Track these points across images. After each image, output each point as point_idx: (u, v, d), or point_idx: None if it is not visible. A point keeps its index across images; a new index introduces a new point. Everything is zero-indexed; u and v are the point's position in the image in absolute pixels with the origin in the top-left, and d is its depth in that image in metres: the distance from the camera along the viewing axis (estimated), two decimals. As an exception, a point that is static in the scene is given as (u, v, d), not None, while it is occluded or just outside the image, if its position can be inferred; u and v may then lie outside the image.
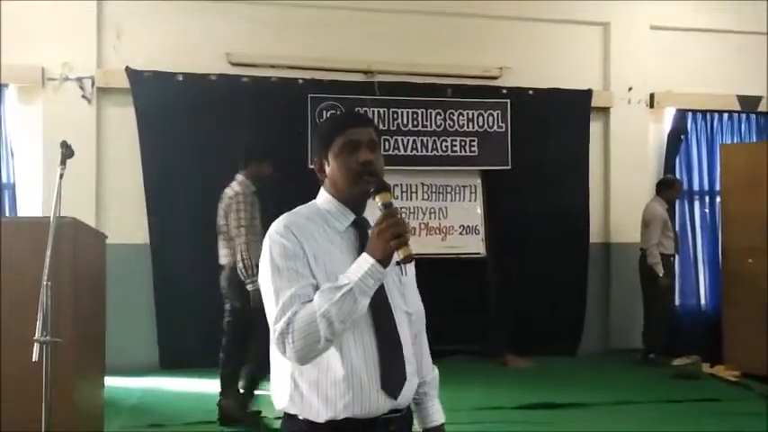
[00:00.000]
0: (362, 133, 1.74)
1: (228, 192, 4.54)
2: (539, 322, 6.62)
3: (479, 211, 6.71)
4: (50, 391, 2.47)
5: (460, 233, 6.66)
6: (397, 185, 6.57)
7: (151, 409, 4.84)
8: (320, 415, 1.66)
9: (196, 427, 4.37)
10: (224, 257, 4.58)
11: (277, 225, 1.72)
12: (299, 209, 1.78)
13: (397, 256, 1.61)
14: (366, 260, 1.60)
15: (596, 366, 6.40)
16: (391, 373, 1.69)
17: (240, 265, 4.34)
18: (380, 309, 1.69)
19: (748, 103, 7.37)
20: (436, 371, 1.97)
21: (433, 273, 6.60)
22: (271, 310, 1.65)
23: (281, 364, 1.71)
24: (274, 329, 1.63)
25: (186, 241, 6.14)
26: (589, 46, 7.21)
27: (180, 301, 6.08)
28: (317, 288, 1.64)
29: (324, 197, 1.79)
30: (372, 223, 1.69)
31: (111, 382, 4.61)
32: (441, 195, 6.69)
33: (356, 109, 6.34)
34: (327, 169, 1.77)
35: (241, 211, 4.40)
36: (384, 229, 1.59)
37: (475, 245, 6.66)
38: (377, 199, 1.65)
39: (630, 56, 7.16)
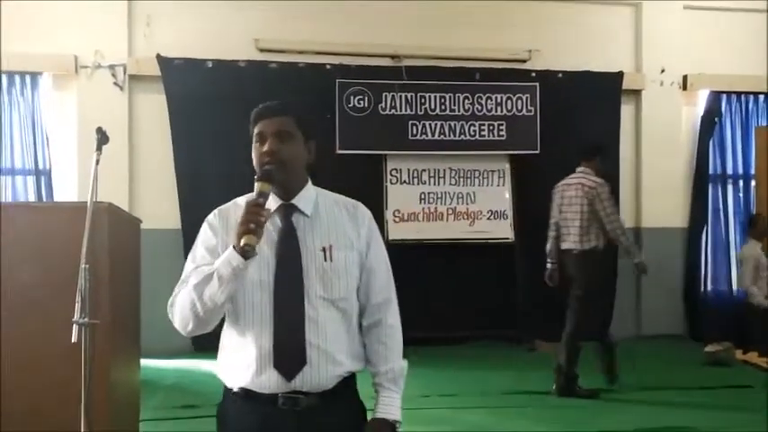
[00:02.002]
0: (270, 124, 1.82)
1: (586, 182, 4.93)
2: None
3: (507, 195, 6.68)
4: (89, 372, 2.53)
5: (488, 218, 6.64)
6: (424, 170, 6.57)
7: (185, 390, 4.94)
8: (230, 382, 1.81)
9: (228, 408, 4.45)
10: (574, 243, 4.94)
11: (213, 211, 1.90)
12: (240, 197, 1.89)
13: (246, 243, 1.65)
14: (229, 247, 1.70)
15: (627, 352, 6.33)
16: (284, 353, 1.73)
17: (626, 243, 4.98)
18: (285, 291, 1.75)
19: (784, 85, 7.18)
20: (398, 364, 1.86)
21: (461, 258, 6.67)
22: None
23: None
24: (168, 302, 1.82)
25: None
26: (620, 27, 7.08)
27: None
28: None
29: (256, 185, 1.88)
30: (303, 209, 1.82)
31: (146, 363, 4.72)
32: (469, 180, 6.66)
33: (383, 93, 6.34)
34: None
35: (605, 200, 4.87)
36: (243, 216, 1.68)
37: (503, 230, 6.64)
38: (256, 185, 1.73)
39: (663, 37, 7.02)
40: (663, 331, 6.76)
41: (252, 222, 1.65)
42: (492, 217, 6.65)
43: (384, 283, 1.89)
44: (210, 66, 6.30)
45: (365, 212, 1.90)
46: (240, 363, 1.77)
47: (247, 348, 1.76)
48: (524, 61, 6.86)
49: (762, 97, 7.35)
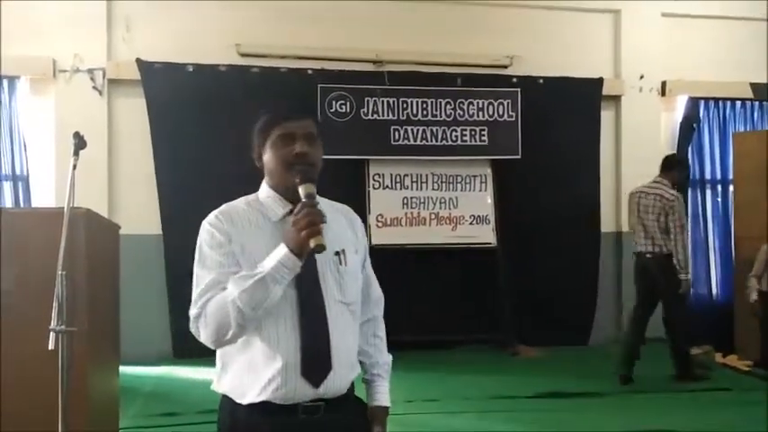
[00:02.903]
0: (299, 126, 1.77)
1: (665, 194, 5.28)
2: (550, 312, 6.62)
3: (490, 200, 6.70)
4: (66, 379, 2.50)
5: (471, 223, 6.66)
6: (407, 175, 6.58)
7: (165, 397, 4.89)
8: (241, 396, 1.72)
9: (209, 415, 4.37)
10: (645, 246, 5.32)
11: (211, 214, 1.80)
12: (240, 199, 1.84)
13: (312, 245, 1.62)
14: (281, 249, 1.63)
15: (608, 356, 6.38)
16: (313, 361, 1.69)
17: (683, 258, 5.23)
18: (309, 297, 1.71)
19: (761, 91, 7.28)
20: (390, 358, 1.97)
21: (444, 263, 6.68)
22: (193, 294, 1.74)
23: None
24: (191, 313, 1.72)
25: (198, 231, 6.16)
26: (600, 34, 7.15)
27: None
28: None
29: (263, 188, 1.84)
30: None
31: (125, 370, 4.66)
32: (451, 185, 6.68)
33: (366, 98, 6.35)
34: (264, 159, 1.81)
35: (678, 213, 5.22)
36: (298, 220, 1.62)
37: (485, 234, 6.65)
38: (300, 189, 1.68)
39: (642, 43, 7.10)
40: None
41: (316, 223, 1.61)
42: (474, 222, 6.67)
43: (376, 282, 1.95)
44: (191, 70, 6.26)
45: (356, 216, 1.92)
46: (260, 376, 1.69)
47: (270, 360, 1.68)
48: (506, 67, 6.90)
49: (739, 103, 7.46)
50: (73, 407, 2.55)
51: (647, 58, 7.11)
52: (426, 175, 6.62)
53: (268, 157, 1.79)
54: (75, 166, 2.74)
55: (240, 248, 1.71)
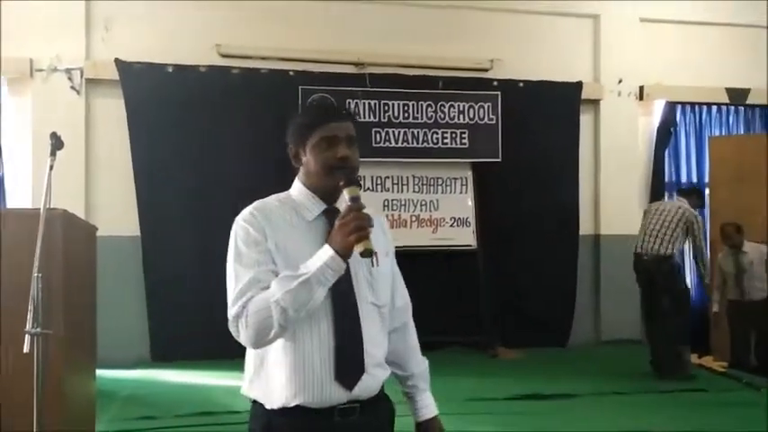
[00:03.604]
0: (342, 128, 1.75)
1: (688, 209, 5.76)
2: (529, 314, 6.67)
3: (470, 203, 6.73)
4: (42, 383, 2.46)
5: (451, 225, 6.68)
6: (388, 177, 6.59)
7: (143, 401, 4.83)
8: (273, 401, 1.69)
9: (187, 419, 4.38)
10: (665, 248, 5.68)
11: (244, 211, 1.75)
12: (271, 197, 1.81)
13: (356, 250, 1.61)
14: (326, 251, 1.61)
15: (586, 357, 6.46)
16: (347, 364, 1.68)
17: (704, 268, 5.96)
18: (342, 299, 1.69)
19: (737, 96, 7.42)
20: (425, 363, 1.96)
21: (424, 265, 6.69)
22: (229, 293, 1.69)
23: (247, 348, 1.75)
24: (230, 312, 1.67)
25: (177, 233, 6.13)
26: (579, 38, 7.23)
27: (171, 293, 6.08)
28: (276, 275, 1.65)
29: (297, 187, 1.81)
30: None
31: (102, 374, 4.60)
32: (431, 187, 6.70)
33: (347, 100, 6.36)
34: (303, 159, 1.78)
35: (700, 229, 5.78)
36: (346, 223, 1.60)
37: (465, 237, 6.68)
38: (345, 192, 1.67)
39: (620, 48, 7.19)
40: (622, 336, 6.88)
41: (365, 228, 1.60)
42: (455, 224, 6.69)
43: (404, 286, 1.94)
44: (171, 71, 6.22)
45: (385, 219, 1.92)
46: (294, 380, 1.66)
47: (304, 363, 1.66)
48: (486, 70, 6.94)
49: (715, 108, 7.57)
50: (48, 410, 2.52)
51: (625, 63, 7.20)
52: (407, 178, 6.64)
53: (309, 158, 1.75)
54: (51, 167, 2.70)
55: (275, 246, 1.69)
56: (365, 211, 1.64)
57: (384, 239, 1.83)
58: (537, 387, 5.13)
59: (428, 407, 1.93)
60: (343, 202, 1.69)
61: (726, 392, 5.24)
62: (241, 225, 1.72)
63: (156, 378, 5.53)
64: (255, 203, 1.77)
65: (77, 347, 3.05)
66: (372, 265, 1.74)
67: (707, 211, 7.34)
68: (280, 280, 1.62)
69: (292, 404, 1.67)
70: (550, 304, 6.80)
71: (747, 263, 6.16)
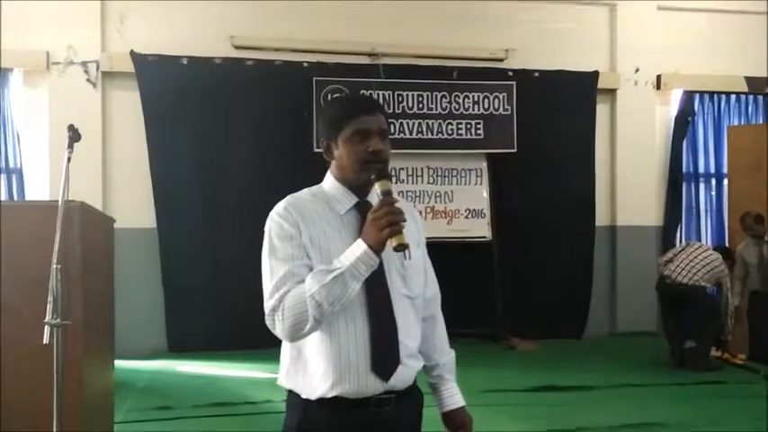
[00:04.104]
0: (374, 121, 1.75)
1: (722, 272, 5.83)
2: (544, 305, 6.63)
3: (485, 194, 6.70)
4: (61, 373, 2.49)
5: (466, 217, 6.66)
6: (402, 169, 6.57)
7: (160, 391, 4.88)
8: (311, 392, 1.71)
9: (204, 409, 4.41)
10: (698, 281, 5.72)
11: (278, 206, 1.76)
12: (304, 191, 1.81)
13: (390, 244, 1.62)
14: (359, 246, 1.62)
15: (602, 349, 6.43)
16: (382, 355, 1.70)
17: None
18: (376, 291, 1.71)
19: (756, 85, 7.31)
20: (452, 354, 1.97)
21: (440, 257, 6.63)
22: (265, 287, 1.70)
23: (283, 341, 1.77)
24: (267, 306, 1.68)
25: (193, 224, 6.17)
26: (595, 27, 7.15)
27: (187, 284, 6.12)
28: (311, 269, 1.67)
29: (329, 180, 1.81)
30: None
31: (120, 364, 4.64)
32: (446, 179, 6.68)
33: (362, 91, 6.35)
34: (335, 153, 1.78)
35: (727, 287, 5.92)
36: (379, 217, 1.60)
37: (481, 228, 6.66)
38: (377, 186, 1.67)
39: (637, 37, 7.10)
40: (638, 329, 6.84)
41: (398, 222, 1.60)
42: (470, 216, 6.67)
43: (434, 278, 1.94)
44: (185, 63, 6.23)
45: (416, 211, 1.92)
46: (330, 371, 1.68)
47: (340, 355, 1.68)
48: (501, 60, 6.89)
49: (733, 97, 7.47)
50: (68, 401, 2.54)
51: (642, 52, 7.11)
52: (422, 169, 6.62)
53: (342, 152, 1.75)
54: (69, 159, 2.72)
55: (309, 240, 1.69)
56: (397, 204, 1.64)
57: (416, 230, 1.83)
58: (553, 379, 5.11)
59: (454, 396, 1.94)
60: (375, 194, 1.70)
61: (744, 385, 5.19)
62: (275, 220, 1.73)
63: (173, 368, 5.58)
64: (288, 198, 1.78)
65: (96, 338, 3.08)
66: (405, 258, 1.73)
67: (725, 200, 7.28)
68: (314, 274, 1.63)
69: (330, 395, 1.69)
70: (566, 296, 6.76)
71: None
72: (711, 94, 7.42)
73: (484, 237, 6.65)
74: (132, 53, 6.16)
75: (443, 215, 6.61)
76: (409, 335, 1.77)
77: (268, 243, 1.72)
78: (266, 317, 1.68)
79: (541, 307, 6.62)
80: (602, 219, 7.08)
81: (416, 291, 1.81)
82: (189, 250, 6.14)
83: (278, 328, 1.66)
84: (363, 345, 1.69)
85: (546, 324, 6.56)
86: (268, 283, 1.69)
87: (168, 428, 4.08)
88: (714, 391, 5.04)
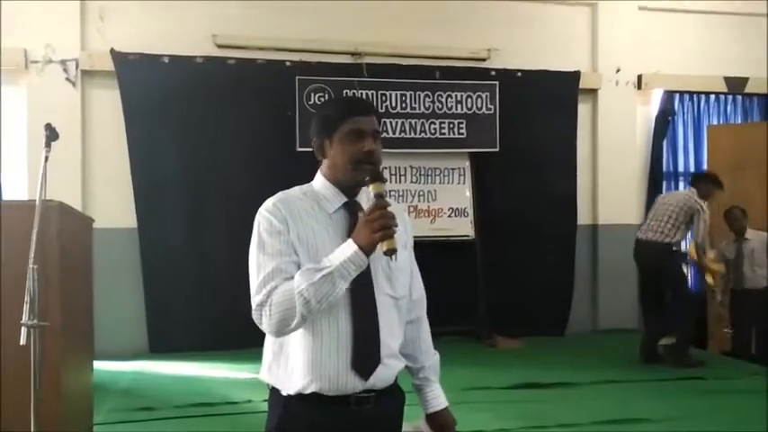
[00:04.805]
0: (369, 122, 1.77)
1: (694, 204, 5.60)
2: (527, 303, 6.66)
3: (468, 193, 6.72)
4: (39, 375, 2.46)
5: (449, 216, 6.68)
6: (385, 168, 6.56)
7: (141, 392, 4.83)
8: (290, 387, 1.73)
9: (186, 410, 4.38)
10: (665, 237, 5.63)
11: (268, 202, 1.77)
12: (294, 189, 1.82)
13: (380, 247, 1.63)
14: (350, 246, 1.63)
15: (584, 346, 6.47)
16: (363, 353, 1.72)
17: (702, 257, 5.83)
18: (361, 290, 1.72)
19: (735, 85, 7.40)
20: (437, 356, 2.00)
21: (422, 255, 6.65)
22: (252, 282, 1.71)
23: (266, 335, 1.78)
24: (254, 300, 1.69)
25: (174, 224, 6.12)
26: (577, 27, 7.19)
27: (168, 285, 6.07)
28: (298, 265, 1.69)
29: (319, 179, 1.83)
30: (364, 207, 1.74)
31: (101, 366, 4.61)
32: (429, 178, 6.69)
33: (344, 91, 6.34)
34: (329, 152, 1.79)
35: (706, 222, 5.61)
36: (372, 220, 1.63)
37: (464, 227, 6.68)
38: (371, 188, 1.68)
39: (618, 37, 7.16)
40: (619, 326, 6.90)
41: (390, 226, 1.62)
42: (453, 215, 6.69)
43: (420, 279, 1.97)
44: (167, 61, 6.18)
45: (405, 212, 1.94)
46: (311, 367, 1.70)
47: (322, 352, 1.70)
48: (484, 60, 6.91)
49: (713, 97, 7.55)
50: (45, 403, 2.52)
51: (623, 52, 7.17)
52: (405, 168, 6.62)
53: (336, 151, 1.76)
54: (47, 158, 2.69)
55: (297, 237, 1.71)
56: (390, 208, 1.65)
57: (404, 231, 1.83)
58: (535, 376, 5.14)
59: (439, 398, 1.97)
60: (365, 194, 1.73)
61: (724, 380, 5.25)
62: (264, 216, 1.74)
63: (154, 369, 5.53)
64: (278, 195, 1.79)
65: (75, 339, 3.05)
66: (392, 259, 1.73)
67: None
68: (303, 272, 1.65)
69: (308, 391, 1.71)
70: (548, 294, 6.80)
71: (749, 250, 6.13)
72: (691, 94, 7.50)
73: (467, 236, 6.67)
74: (112, 51, 6.09)
75: (426, 214, 6.62)
76: (391, 335, 1.78)
77: (257, 238, 1.73)
78: (253, 311, 1.69)
79: (524, 305, 6.66)
80: (583, 217, 7.13)
81: (401, 292, 1.82)
82: (170, 250, 6.09)
83: (265, 322, 1.68)
84: (345, 342, 1.70)
85: (528, 322, 6.59)
86: (255, 278, 1.70)
87: (149, 429, 4.04)
88: (695, 386, 5.09)
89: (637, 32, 7.20)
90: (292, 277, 1.66)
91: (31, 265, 2.46)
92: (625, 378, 5.23)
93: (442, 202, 6.66)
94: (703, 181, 5.81)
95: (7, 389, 2.63)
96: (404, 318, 1.86)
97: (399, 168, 6.61)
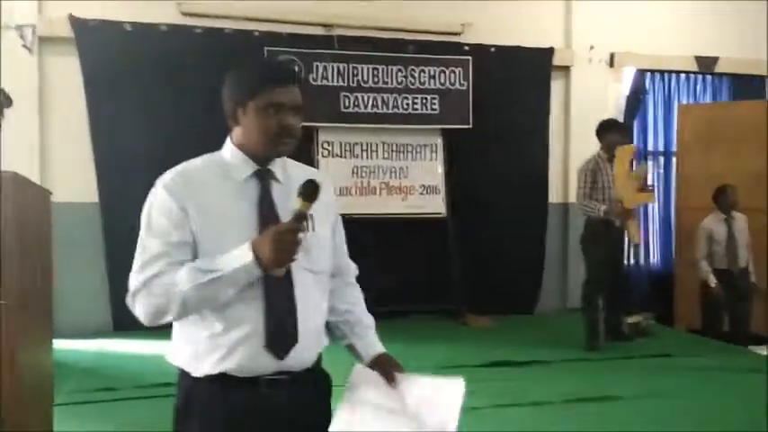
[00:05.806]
0: (288, 94, 1.65)
1: (587, 163, 5.57)
2: (497, 281, 6.66)
3: (440, 170, 6.65)
4: (-6, 356, 2.33)
5: (421, 193, 6.60)
6: (357, 144, 6.45)
7: (103, 371, 4.70)
8: (197, 368, 1.63)
9: (149, 390, 4.25)
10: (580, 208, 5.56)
11: (165, 176, 1.67)
12: (196, 159, 1.72)
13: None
14: (246, 255, 1.53)
15: (553, 324, 6.50)
16: (277, 331, 1.61)
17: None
18: None
19: (705, 64, 7.43)
20: (371, 319, 1.90)
21: (394, 233, 6.61)
22: (135, 261, 1.64)
23: None
24: (130, 284, 1.62)
25: (137, 199, 5.83)
26: (551, 4, 7.12)
27: (132, 261, 5.88)
28: (191, 246, 1.59)
29: (229, 147, 1.72)
30: (280, 177, 1.68)
31: (63, 344, 4.45)
32: (401, 154, 6.59)
33: (314, 63, 6.17)
34: (242, 120, 1.67)
35: (609, 174, 5.45)
36: (280, 240, 1.52)
37: (435, 205, 6.61)
38: (298, 203, 1.56)
39: (592, 14, 7.11)
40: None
41: (293, 254, 1.53)
42: (425, 192, 6.61)
43: (346, 254, 1.89)
44: (129, 29, 5.94)
45: (330, 184, 1.82)
46: (219, 346, 1.59)
47: (231, 331, 1.59)
48: (458, 34, 6.80)
49: (683, 76, 7.58)
50: (2, 384, 2.39)
51: (597, 30, 7.12)
52: (377, 144, 6.51)
53: (250, 123, 1.65)
54: (0, 127, 2.53)
55: (196, 208, 1.60)
56: (316, 176, 1.60)
57: (326, 204, 1.72)
58: (507, 354, 5.14)
59: (378, 343, 1.84)
60: (279, 164, 1.69)
61: (690, 357, 5.31)
62: (157, 192, 1.64)
63: (116, 348, 5.38)
64: (177, 167, 1.69)
65: (32, 317, 2.90)
66: (308, 229, 1.63)
67: (673, 178, 7.41)
68: (190, 270, 1.55)
69: (216, 371, 1.60)
70: (519, 272, 6.80)
71: (739, 229, 5.96)
72: (663, 72, 7.51)
73: (439, 213, 6.61)
74: (71, 17, 5.82)
75: (398, 191, 6.53)
76: (310, 312, 1.67)
77: (146, 215, 1.63)
78: (128, 296, 1.61)
79: (494, 283, 6.64)
80: (555, 196, 7.13)
81: (320, 266, 1.71)
82: (133, 226, 5.82)
83: (137, 310, 1.61)
84: (256, 319, 1.59)
85: (499, 299, 6.58)
86: (138, 259, 1.62)
87: (110, 410, 3.93)
88: (663, 363, 5.16)
89: (611, 10, 7.15)
90: (179, 263, 1.56)
91: (-17, 240, 2.31)
92: (593, 356, 5.26)
93: (414, 179, 6.58)
94: (605, 130, 5.63)
95: (-40, 370, 2.49)
96: (326, 294, 1.76)
97: (371, 144, 6.50)
